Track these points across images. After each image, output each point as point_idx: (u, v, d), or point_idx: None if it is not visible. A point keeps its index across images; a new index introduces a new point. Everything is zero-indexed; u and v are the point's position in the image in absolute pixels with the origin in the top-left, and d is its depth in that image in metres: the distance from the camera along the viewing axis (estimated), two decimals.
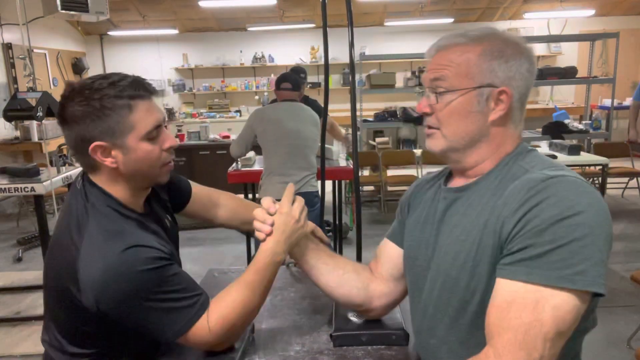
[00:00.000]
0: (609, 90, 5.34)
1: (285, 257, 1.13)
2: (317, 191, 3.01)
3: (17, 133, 5.63)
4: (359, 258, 1.81)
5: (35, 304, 3.38)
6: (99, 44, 8.04)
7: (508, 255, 0.80)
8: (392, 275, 1.14)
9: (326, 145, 2.07)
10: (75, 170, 3.49)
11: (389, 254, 1.15)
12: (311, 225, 1.11)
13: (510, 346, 0.75)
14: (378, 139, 7.04)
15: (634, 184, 5.44)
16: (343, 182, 4.16)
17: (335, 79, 8.00)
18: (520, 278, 0.77)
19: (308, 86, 7.98)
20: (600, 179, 4.72)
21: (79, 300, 0.95)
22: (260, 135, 3.07)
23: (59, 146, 4.07)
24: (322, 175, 2.05)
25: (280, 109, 3.11)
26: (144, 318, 0.97)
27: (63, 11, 3.13)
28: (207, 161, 5.45)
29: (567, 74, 5.20)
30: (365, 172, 5.81)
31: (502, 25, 7.98)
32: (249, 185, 3.69)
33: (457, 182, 0.98)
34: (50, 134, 4.95)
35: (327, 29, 1.78)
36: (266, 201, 1.09)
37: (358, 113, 5.50)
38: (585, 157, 4.10)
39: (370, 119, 5.81)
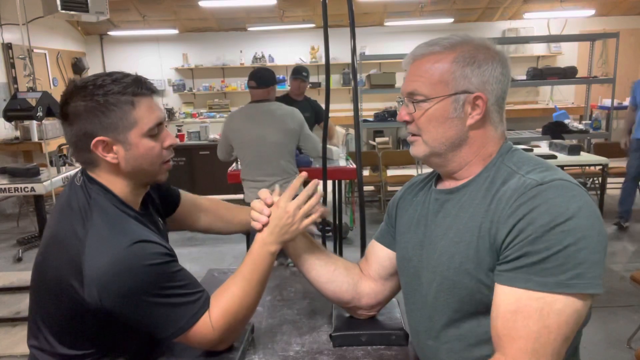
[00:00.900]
0: (609, 90, 5.34)
1: (285, 256, 1.13)
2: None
3: (17, 133, 5.63)
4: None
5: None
6: (99, 44, 8.04)
7: (505, 262, 0.82)
8: (380, 275, 1.16)
9: (327, 146, 2.07)
10: (75, 170, 3.49)
11: (377, 255, 1.17)
12: (307, 222, 1.11)
13: (523, 354, 0.77)
14: (378, 139, 7.05)
15: None
16: (343, 182, 4.17)
17: (335, 79, 7.99)
18: (519, 285, 0.79)
19: (308, 86, 7.99)
20: (600, 179, 4.72)
21: (81, 296, 0.95)
22: (232, 143, 3.09)
23: (59, 146, 4.07)
24: (323, 175, 2.05)
25: (245, 114, 3.07)
26: (148, 314, 0.97)
27: (63, 11, 3.13)
28: (207, 161, 5.44)
29: (567, 74, 5.20)
30: (365, 172, 5.81)
31: (502, 26, 7.99)
32: None
33: (447, 184, 1.00)
34: (50, 134, 4.96)
35: (328, 29, 1.78)
36: (263, 193, 1.11)
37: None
38: (585, 157, 4.11)
39: (370, 119, 5.81)
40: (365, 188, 5.88)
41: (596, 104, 7.00)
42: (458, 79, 0.91)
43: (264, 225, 1.09)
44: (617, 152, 4.84)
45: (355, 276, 1.17)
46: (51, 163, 3.45)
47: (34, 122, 4.99)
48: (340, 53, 7.35)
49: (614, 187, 5.56)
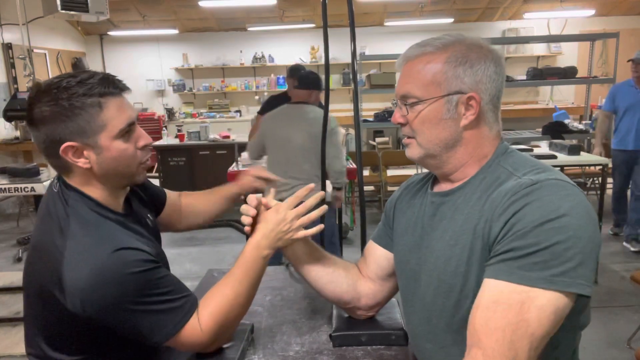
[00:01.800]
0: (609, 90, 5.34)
1: (283, 258, 1.13)
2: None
3: (17, 133, 5.63)
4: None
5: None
6: (99, 44, 8.04)
7: (493, 257, 0.82)
8: (378, 276, 1.16)
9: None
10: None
11: (375, 256, 1.16)
12: (302, 233, 1.11)
13: (499, 347, 0.75)
14: (378, 139, 7.05)
15: None
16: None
17: (335, 79, 7.99)
18: (503, 278, 0.78)
19: None
20: (600, 179, 4.71)
21: (64, 306, 0.92)
22: (265, 142, 3.04)
23: None
24: (322, 175, 2.06)
25: (280, 114, 3.02)
26: (132, 322, 0.95)
27: (63, 11, 3.13)
28: (207, 161, 5.44)
29: (567, 74, 5.19)
30: (365, 172, 5.81)
31: (502, 26, 7.99)
32: None
33: (443, 186, 1.00)
34: None
35: (327, 29, 1.78)
36: (250, 198, 1.11)
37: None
38: (585, 157, 4.10)
39: (370, 119, 5.81)
40: (365, 188, 5.85)
41: (596, 104, 6.98)
42: (450, 80, 0.90)
43: (256, 229, 1.09)
44: None
45: (354, 277, 1.16)
46: None
47: None
48: (340, 53, 7.34)
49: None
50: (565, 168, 4.45)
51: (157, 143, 5.55)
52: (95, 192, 1.02)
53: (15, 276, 3.90)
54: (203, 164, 5.48)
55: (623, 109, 4.11)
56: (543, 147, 4.56)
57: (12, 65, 5.79)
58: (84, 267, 0.91)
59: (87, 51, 7.99)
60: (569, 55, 7.90)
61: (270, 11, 7.20)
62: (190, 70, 8.14)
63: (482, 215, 0.86)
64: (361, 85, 5.86)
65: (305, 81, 2.97)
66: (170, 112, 7.72)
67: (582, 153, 4.11)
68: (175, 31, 7.55)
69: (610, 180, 4.40)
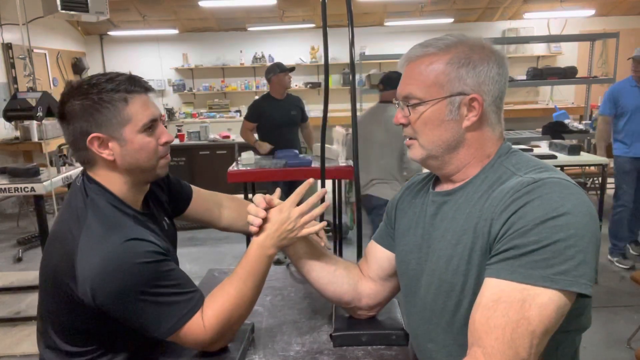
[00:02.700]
0: (607, 92, 5.33)
1: (283, 256, 1.13)
2: (378, 197, 3.06)
3: (17, 133, 5.63)
4: (359, 258, 1.81)
5: (35, 304, 3.35)
6: (99, 44, 8.04)
7: (494, 255, 0.81)
8: (379, 276, 1.16)
9: (326, 145, 2.07)
10: (75, 170, 3.50)
11: (375, 256, 1.16)
12: (306, 231, 1.11)
13: (500, 345, 0.75)
14: None
15: None
16: (343, 182, 4.16)
17: (335, 79, 7.99)
18: (504, 276, 0.78)
19: (308, 86, 8.00)
20: (600, 179, 4.72)
21: (77, 295, 0.96)
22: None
23: (59, 146, 4.06)
24: (322, 175, 2.05)
25: (368, 112, 3.23)
26: (139, 312, 0.97)
27: (63, 11, 3.13)
28: (207, 161, 5.45)
29: (567, 74, 5.19)
30: None
31: (502, 26, 7.99)
32: (249, 185, 3.69)
33: (444, 186, 1.00)
34: (50, 134, 4.95)
35: (327, 29, 1.78)
36: (257, 198, 1.11)
37: (358, 113, 5.50)
38: (585, 157, 4.10)
39: None
40: None
41: (596, 104, 6.98)
42: (453, 81, 0.90)
43: (261, 228, 1.09)
44: None
45: (355, 277, 1.16)
46: (51, 163, 3.44)
47: (34, 122, 4.99)
48: (340, 53, 7.35)
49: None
50: (565, 168, 4.44)
51: None
52: (117, 186, 1.07)
53: (15, 276, 3.90)
54: (203, 164, 5.48)
55: (628, 111, 3.76)
56: (543, 147, 4.56)
57: (12, 65, 5.79)
58: (96, 255, 0.95)
59: (87, 51, 7.99)
60: (569, 55, 7.91)
61: (270, 11, 7.20)
62: (190, 70, 8.14)
63: (482, 213, 0.86)
64: (361, 85, 5.86)
65: (389, 82, 3.14)
66: (170, 112, 7.72)
67: (582, 153, 4.11)
68: (175, 31, 7.55)
69: (610, 180, 4.34)
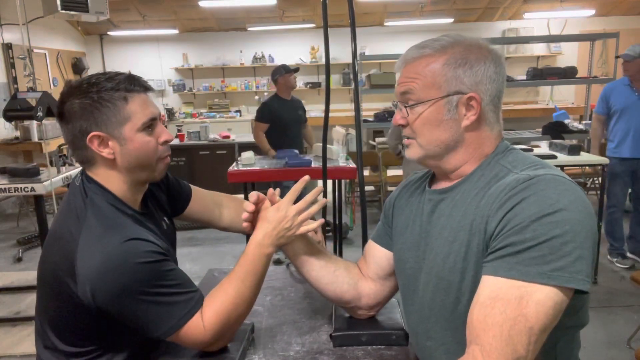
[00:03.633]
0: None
1: (283, 256, 1.14)
2: None
3: (17, 133, 5.63)
4: None
5: (35, 304, 3.38)
6: (99, 44, 8.04)
7: (491, 253, 0.82)
8: (378, 275, 1.16)
9: (327, 145, 2.07)
10: (75, 170, 3.49)
11: (375, 256, 1.17)
12: (304, 228, 1.11)
13: (497, 342, 0.75)
14: (378, 139, 7.04)
15: None
16: (343, 182, 4.17)
17: (335, 79, 7.99)
18: (501, 274, 0.78)
19: (308, 86, 8.00)
20: (600, 179, 4.71)
21: (76, 294, 0.96)
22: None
23: (59, 146, 4.06)
24: (323, 175, 2.05)
25: None
26: (138, 312, 0.97)
27: (63, 11, 3.13)
28: (207, 161, 5.45)
29: (567, 74, 5.19)
30: (365, 172, 5.81)
31: (502, 26, 7.99)
32: (249, 185, 3.69)
33: (441, 184, 1.00)
34: (50, 134, 4.95)
35: (328, 29, 1.78)
36: (251, 194, 1.12)
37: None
38: (585, 157, 4.09)
39: (370, 119, 5.81)
40: (365, 188, 5.86)
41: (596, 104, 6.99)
42: (450, 81, 0.90)
43: (254, 225, 1.09)
44: None
45: (354, 276, 1.17)
46: (51, 163, 3.44)
47: (34, 122, 4.99)
48: (341, 53, 7.35)
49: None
50: (565, 168, 4.44)
51: None
52: (116, 186, 1.07)
53: (15, 276, 3.90)
54: (203, 164, 5.48)
55: (618, 111, 3.74)
56: (543, 147, 4.56)
57: (12, 65, 5.79)
58: (95, 255, 0.95)
59: (87, 51, 7.99)
60: (569, 55, 7.90)
61: (270, 11, 7.20)
62: (190, 70, 8.14)
63: (479, 211, 0.86)
64: (361, 85, 5.86)
65: None
66: (170, 112, 7.72)
67: (582, 153, 4.11)
68: (175, 31, 7.55)
69: None
